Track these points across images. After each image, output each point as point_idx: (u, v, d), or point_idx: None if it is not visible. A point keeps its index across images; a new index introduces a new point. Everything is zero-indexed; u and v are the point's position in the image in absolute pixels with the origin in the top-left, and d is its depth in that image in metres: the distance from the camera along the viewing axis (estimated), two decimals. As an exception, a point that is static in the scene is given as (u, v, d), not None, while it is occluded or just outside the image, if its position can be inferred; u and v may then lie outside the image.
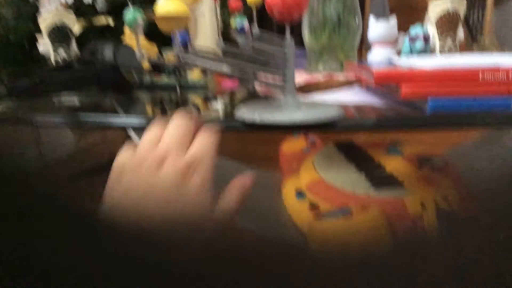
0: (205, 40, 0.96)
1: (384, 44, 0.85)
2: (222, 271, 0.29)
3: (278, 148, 1.07)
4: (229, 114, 0.60)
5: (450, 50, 0.81)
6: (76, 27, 0.98)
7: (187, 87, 0.89)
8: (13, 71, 1.06)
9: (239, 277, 0.28)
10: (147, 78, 0.90)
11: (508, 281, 0.26)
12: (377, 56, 0.86)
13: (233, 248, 0.37)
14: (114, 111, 0.66)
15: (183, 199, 0.39)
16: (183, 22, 0.52)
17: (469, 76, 0.50)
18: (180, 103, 0.78)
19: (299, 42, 0.82)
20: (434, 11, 0.81)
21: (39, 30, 0.95)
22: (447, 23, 0.79)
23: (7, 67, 1.11)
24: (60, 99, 0.76)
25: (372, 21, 0.85)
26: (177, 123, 0.44)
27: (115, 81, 0.78)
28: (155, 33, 1.03)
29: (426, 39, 0.79)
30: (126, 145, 0.44)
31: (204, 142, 0.43)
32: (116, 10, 1.19)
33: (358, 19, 0.84)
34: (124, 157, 0.42)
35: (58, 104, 0.75)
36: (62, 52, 0.93)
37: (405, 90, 0.51)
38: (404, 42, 0.84)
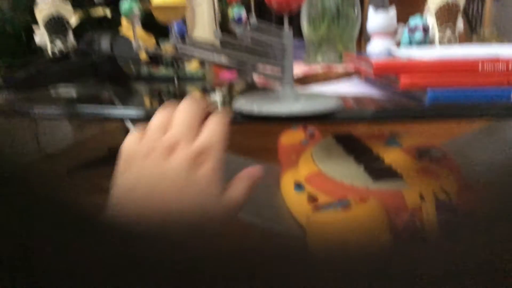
0: (203, 31, 0.96)
1: (383, 35, 0.85)
2: (225, 263, 0.29)
3: (277, 140, 1.07)
4: (227, 105, 0.59)
5: (449, 41, 0.80)
6: (73, 18, 0.97)
7: (185, 78, 0.88)
8: (10, 63, 1.06)
9: (240, 270, 0.28)
10: (144, 70, 0.89)
11: (507, 272, 0.26)
12: (376, 47, 0.85)
13: (237, 240, 0.37)
14: (111, 103, 0.66)
15: (193, 187, 0.39)
16: (180, 12, 0.52)
17: (469, 66, 0.49)
18: (178, 95, 0.77)
19: (298, 33, 0.82)
20: (434, 2, 0.81)
21: (36, 22, 0.94)
22: (446, 14, 0.79)
23: (3, 58, 1.11)
24: (57, 90, 0.76)
25: (371, 12, 0.85)
26: (186, 109, 0.43)
27: (112, 72, 0.78)
28: (153, 24, 1.02)
29: (426, 30, 0.79)
30: (132, 131, 0.44)
31: (214, 129, 0.42)
32: (113, 1, 1.18)
33: (357, 10, 0.83)
34: (131, 144, 0.42)
35: (55, 96, 0.75)
36: (59, 43, 0.92)
37: (404, 81, 0.50)
38: (403, 33, 0.83)
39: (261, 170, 0.46)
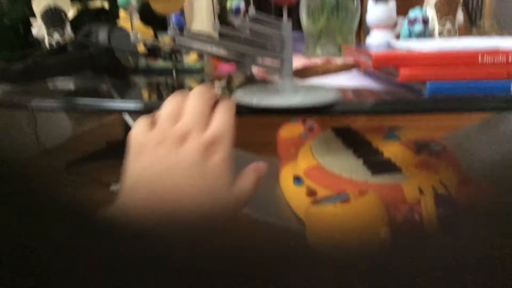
0: (201, 23, 0.95)
1: (382, 28, 0.84)
2: (225, 258, 0.29)
3: (275, 133, 1.07)
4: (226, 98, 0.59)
5: (449, 34, 0.80)
6: (70, 10, 0.97)
7: (183, 71, 0.88)
8: (8, 55, 1.05)
9: (240, 263, 0.28)
10: (142, 62, 0.89)
11: (506, 265, 0.26)
12: (376, 40, 0.85)
13: (237, 234, 0.37)
14: (109, 96, 0.66)
15: (206, 176, 0.39)
16: (178, 3, 0.51)
17: (469, 58, 0.49)
18: (176, 87, 0.77)
19: (297, 25, 0.81)
20: (434, -6, 0.81)
21: (33, 14, 0.94)
22: (446, 7, 0.78)
23: (1, 51, 1.10)
24: (55, 83, 0.76)
25: (370, 4, 0.84)
26: (197, 98, 0.44)
27: (110, 64, 0.77)
28: (151, 17, 1.02)
29: (425, 21, 0.78)
30: (140, 119, 0.44)
31: (224, 118, 0.43)
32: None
33: (356, 2, 0.83)
34: (140, 132, 0.42)
35: (53, 88, 0.74)
36: (56, 36, 0.92)
37: (404, 73, 0.50)
38: (403, 25, 0.83)
39: (265, 166, 0.46)
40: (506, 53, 0.48)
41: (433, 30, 0.82)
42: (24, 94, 0.67)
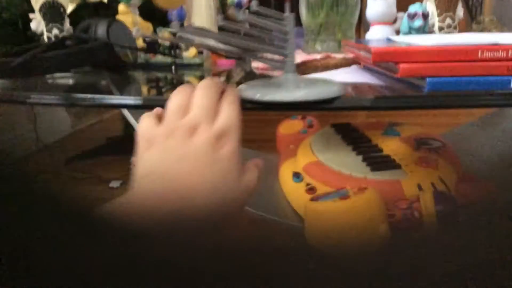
0: (200, 18, 0.95)
1: (382, 23, 0.84)
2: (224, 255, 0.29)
3: (275, 129, 1.07)
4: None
5: (449, 29, 0.79)
6: (69, 5, 0.96)
7: (182, 65, 0.88)
8: (6, 50, 1.05)
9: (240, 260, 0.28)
10: (141, 57, 0.88)
11: (505, 262, 0.25)
12: (376, 35, 0.84)
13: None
14: (108, 91, 0.65)
15: (216, 167, 0.40)
16: None
17: (468, 54, 0.48)
18: (176, 82, 0.77)
19: (296, 21, 0.81)
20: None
21: (32, 9, 0.94)
22: (446, 2, 0.78)
23: (0, 45, 1.10)
24: (54, 78, 0.76)
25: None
26: (204, 91, 0.44)
27: (109, 59, 0.77)
28: (150, 13, 1.02)
29: (425, 16, 0.78)
30: (145, 114, 0.45)
31: (231, 111, 0.43)
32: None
33: (356, -4, 0.82)
34: (148, 126, 0.43)
35: (52, 83, 0.74)
36: (55, 30, 0.91)
37: (403, 68, 0.50)
38: (403, 21, 0.82)
39: (263, 163, 0.47)
40: (506, 49, 0.48)
41: (433, 25, 0.82)
42: (23, 89, 0.66)
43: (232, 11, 0.88)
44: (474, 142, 0.97)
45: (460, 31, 0.83)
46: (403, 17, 0.82)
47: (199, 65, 0.87)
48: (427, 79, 0.49)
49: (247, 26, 0.49)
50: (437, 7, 0.79)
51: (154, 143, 0.41)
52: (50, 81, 0.75)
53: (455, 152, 0.81)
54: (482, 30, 0.89)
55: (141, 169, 0.41)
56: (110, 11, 1.11)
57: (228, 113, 0.43)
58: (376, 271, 0.27)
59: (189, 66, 0.88)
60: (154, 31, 1.02)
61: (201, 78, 0.78)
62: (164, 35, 0.95)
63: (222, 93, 0.45)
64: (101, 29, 0.76)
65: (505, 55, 0.48)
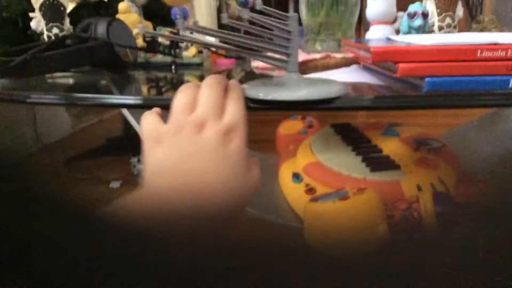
0: (200, 18, 0.95)
1: (382, 23, 0.84)
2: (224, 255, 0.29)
3: (275, 130, 1.06)
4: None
5: (449, 28, 0.79)
6: (69, 3, 0.96)
7: (182, 65, 0.88)
8: (6, 49, 1.05)
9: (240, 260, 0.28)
10: (141, 56, 0.88)
11: (503, 260, 0.25)
12: (376, 35, 0.84)
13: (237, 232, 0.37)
14: (108, 90, 0.65)
15: (226, 162, 0.40)
16: None
17: (467, 53, 0.48)
18: (175, 82, 0.77)
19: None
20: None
21: (32, 8, 0.94)
22: (446, 1, 0.78)
23: (0, 45, 1.10)
24: (54, 77, 0.75)
25: (370, -1, 0.84)
26: (209, 88, 0.44)
27: (109, 59, 0.77)
28: (151, 12, 1.01)
29: (425, 16, 0.78)
30: (147, 113, 0.45)
31: (237, 107, 0.44)
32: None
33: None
34: (153, 124, 0.44)
35: (51, 83, 0.74)
36: (55, 29, 0.91)
37: (402, 68, 0.49)
38: (403, 20, 0.82)
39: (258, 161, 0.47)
40: (505, 48, 0.47)
41: (433, 25, 0.82)
42: (23, 89, 0.66)
43: (233, 10, 0.88)
44: (473, 142, 0.97)
45: (460, 30, 0.83)
46: (403, 17, 0.82)
47: (199, 65, 0.87)
48: (426, 79, 0.49)
49: (248, 24, 0.49)
50: (437, 6, 0.79)
51: (161, 141, 0.42)
52: (50, 80, 0.75)
53: (454, 152, 0.81)
54: (481, 29, 0.89)
55: (150, 167, 0.41)
56: (110, 10, 1.11)
57: (234, 108, 0.43)
58: (375, 271, 0.27)
59: (189, 66, 0.88)
60: (154, 30, 1.01)
61: (201, 77, 0.78)
62: (166, 33, 0.95)
63: (226, 90, 0.46)
64: (101, 28, 0.76)
65: (504, 54, 0.47)
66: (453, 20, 0.79)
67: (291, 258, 0.29)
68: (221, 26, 0.87)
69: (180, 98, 0.44)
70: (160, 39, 0.88)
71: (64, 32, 0.92)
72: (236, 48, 0.49)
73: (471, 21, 0.93)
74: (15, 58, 0.66)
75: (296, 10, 0.84)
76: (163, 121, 0.44)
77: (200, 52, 0.92)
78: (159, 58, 0.89)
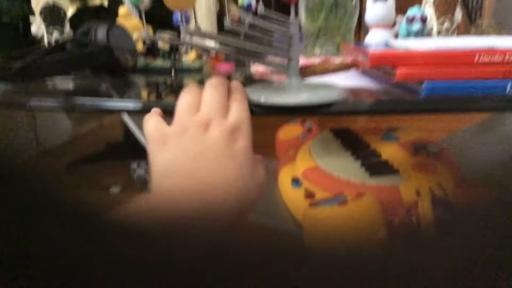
0: (200, 21, 0.95)
1: (381, 27, 0.84)
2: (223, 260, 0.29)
3: (275, 134, 1.06)
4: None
5: (447, 32, 0.79)
6: (69, 8, 0.97)
7: (182, 70, 0.88)
8: (7, 53, 1.05)
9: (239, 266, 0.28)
10: (141, 61, 0.88)
11: (504, 267, 0.25)
12: (375, 39, 0.84)
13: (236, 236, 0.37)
14: (108, 95, 0.65)
15: (234, 163, 0.40)
16: (191, 0, 0.51)
17: (465, 58, 0.48)
18: (175, 87, 0.77)
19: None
20: (433, -8, 0.80)
21: (32, 11, 0.94)
22: (445, 5, 0.78)
23: (0, 49, 1.10)
24: (54, 82, 0.76)
25: (370, 2, 0.84)
26: (213, 89, 0.45)
27: (108, 63, 0.77)
28: (151, 16, 1.02)
29: (424, 20, 0.78)
30: (148, 114, 0.46)
31: (241, 106, 0.44)
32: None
33: (355, 0, 0.82)
34: (157, 126, 0.44)
35: (52, 87, 0.74)
36: (55, 34, 0.92)
37: (400, 72, 0.49)
38: (402, 24, 0.82)
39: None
40: (502, 52, 0.47)
41: (432, 29, 0.82)
42: (23, 94, 0.66)
43: (233, 15, 0.88)
44: (472, 147, 0.97)
45: (459, 34, 0.83)
46: (402, 21, 0.82)
47: (199, 70, 0.87)
48: (424, 84, 0.49)
49: (250, 30, 0.49)
50: (436, 10, 0.79)
51: (166, 142, 0.41)
52: (50, 85, 0.75)
53: (453, 157, 0.81)
54: (480, 33, 0.89)
55: (158, 169, 0.41)
56: (111, 14, 1.11)
57: (239, 108, 0.43)
58: (374, 276, 0.26)
59: (189, 71, 0.88)
60: (155, 34, 1.02)
61: (201, 82, 0.78)
62: (165, 38, 0.95)
63: (229, 91, 0.46)
64: (101, 33, 0.76)
65: (501, 59, 0.47)
66: (452, 24, 0.79)
67: (290, 264, 0.29)
68: (221, 30, 0.87)
69: (184, 100, 0.44)
70: (160, 44, 0.88)
71: (64, 37, 0.93)
72: (238, 52, 0.50)
73: (471, 25, 0.93)
74: (15, 63, 0.67)
75: (297, 14, 0.84)
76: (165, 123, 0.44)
77: (199, 57, 0.92)
78: (158, 63, 0.89)
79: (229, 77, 0.79)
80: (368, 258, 0.28)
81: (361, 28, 1.03)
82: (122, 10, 0.96)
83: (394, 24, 0.85)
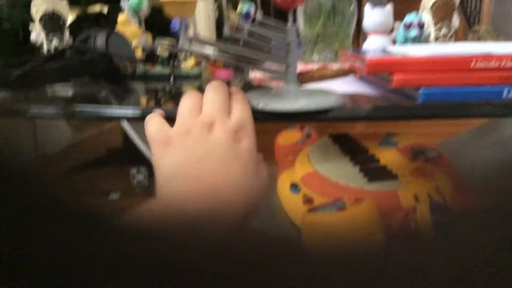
0: (200, 28, 0.95)
1: (379, 33, 0.84)
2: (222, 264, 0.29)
3: (273, 140, 1.06)
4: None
5: (445, 38, 0.80)
6: (69, 15, 0.97)
7: (181, 77, 0.88)
8: (7, 61, 1.06)
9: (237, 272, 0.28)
10: (140, 68, 0.89)
11: (502, 271, 0.25)
12: (372, 45, 0.85)
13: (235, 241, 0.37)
14: (107, 102, 0.66)
15: (238, 164, 0.40)
16: (192, 8, 0.51)
17: (461, 64, 0.48)
18: (174, 93, 0.77)
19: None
20: (429, -2, 0.81)
21: (32, 19, 0.94)
22: (442, 11, 0.78)
23: (0, 56, 1.11)
24: (53, 89, 0.76)
25: (368, 9, 0.84)
26: (214, 91, 0.45)
27: (108, 70, 0.77)
28: (150, 23, 1.02)
29: (421, 26, 0.78)
30: (150, 115, 0.45)
31: (243, 107, 0.44)
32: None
33: (353, 7, 0.83)
34: (160, 127, 0.43)
35: (51, 95, 0.74)
36: (55, 41, 0.92)
37: (397, 78, 0.50)
38: (399, 30, 0.83)
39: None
40: (499, 58, 0.48)
41: (429, 35, 0.82)
42: (23, 101, 0.67)
43: (232, 22, 0.89)
44: (470, 152, 0.97)
45: (457, 39, 0.84)
46: (399, 27, 0.82)
47: (197, 76, 0.88)
48: (421, 90, 0.49)
49: (249, 37, 0.50)
50: (433, 16, 0.79)
51: (169, 143, 0.41)
52: (49, 92, 0.75)
53: (451, 162, 0.81)
54: (478, 39, 0.90)
55: (163, 171, 0.41)
56: (110, 21, 1.12)
57: (241, 108, 0.44)
58: (373, 281, 0.27)
59: (187, 77, 0.88)
60: (154, 41, 1.02)
61: (199, 88, 0.78)
62: (164, 46, 0.95)
63: (229, 93, 0.46)
64: (100, 40, 0.76)
65: (498, 65, 0.48)
66: (449, 30, 0.79)
67: (289, 269, 0.29)
68: (220, 37, 0.88)
69: (186, 102, 0.44)
70: (159, 51, 0.88)
71: (64, 44, 0.93)
72: (236, 59, 0.50)
73: (469, 29, 0.93)
74: (15, 71, 0.67)
75: (295, 21, 0.84)
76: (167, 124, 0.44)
77: (198, 63, 0.92)
78: (157, 69, 0.89)
79: (228, 84, 0.79)
80: (367, 263, 0.29)
81: (361, 34, 1.04)
82: (121, 17, 0.97)
83: (392, 30, 0.85)
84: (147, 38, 1.00)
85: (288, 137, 1.05)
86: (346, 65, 0.72)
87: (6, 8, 1.16)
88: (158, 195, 0.39)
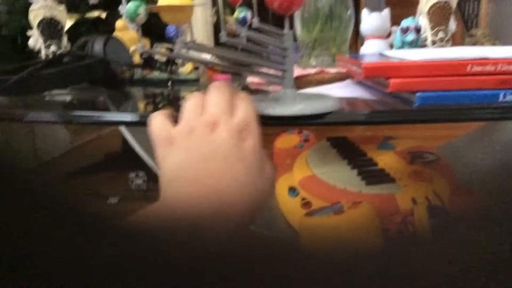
0: (197, 34, 0.96)
1: (377, 37, 0.84)
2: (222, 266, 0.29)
3: (272, 144, 1.07)
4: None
5: (441, 43, 0.80)
6: (67, 21, 0.97)
7: (178, 82, 0.88)
8: (6, 67, 1.06)
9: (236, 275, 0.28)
10: (138, 73, 0.89)
11: (499, 274, 0.26)
12: (370, 49, 0.85)
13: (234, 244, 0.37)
14: (105, 108, 0.66)
15: (243, 164, 0.40)
16: (188, 14, 0.51)
17: (457, 68, 0.49)
18: (172, 98, 0.77)
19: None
20: (426, 2, 0.81)
21: (30, 25, 0.94)
22: (439, 15, 0.79)
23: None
24: (51, 95, 0.76)
25: (365, 13, 0.84)
26: (218, 91, 0.44)
27: (106, 76, 0.77)
28: (148, 29, 1.02)
29: (418, 30, 0.78)
30: (154, 113, 0.45)
31: (247, 106, 0.44)
32: (107, 3, 1.18)
33: (350, 11, 0.83)
34: (163, 126, 0.43)
35: (49, 101, 0.74)
36: (53, 47, 0.92)
37: (394, 83, 0.50)
38: (396, 34, 0.83)
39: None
40: (494, 63, 0.48)
41: (426, 39, 0.82)
42: (21, 107, 0.67)
43: (230, 27, 0.89)
44: (467, 155, 0.97)
45: (455, 43, 0.84)
46: (396, 32, 0.83)
47: (195, 81, 0.88)
48: (417, 94, 0.49)
49: (245, 42, 0.50)
50: (430, 21, 0.80)
51: (173, 142, 0.41)
52: (47, 98, 0.75)
53: (449, 165, 0.82)
54: (474, 43, 0.90)
55: (166, 171, 0.40)
56: (108, 27, 1.12)
57: (245, 107, 0.43)
58: (371, 284, 0.27)
59: (185, 82, 0.88)
60: (151, 46, 1.02)
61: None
62: (162, 51, 0.96)
63: (234, 93, 0.46)
64: (97, 46, 0.76)
65: (494, 69, 0.48)
66: (446, 34, 0.80)
67: (287, 272, 0.29)
68: (218, 42, 0.88)
69: (190, 102, 0.44)
70: (156, 56, 0.88)
71: (62, 50, 0.93)
72: (234, 64, 0.50)
73: (467, 32, 0.94)
74: (13, 76, 0.67)
75: (291, 25, 0.84)
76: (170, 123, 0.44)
77: (196, 68, 0.92)
78: (155, 75, 0.89)
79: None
80: (365, 266, 0.29)
81: (358, 38, 1.04)
82: (119, 23, 0.97)
83: (389, 35, 0.86)
84: (145, 43, 1.01)
85: (286, 141, 1.05)
86: (343, 70, 0.72)
87: (4, 14, 1.17)
88: (162, 196, 0.38)
